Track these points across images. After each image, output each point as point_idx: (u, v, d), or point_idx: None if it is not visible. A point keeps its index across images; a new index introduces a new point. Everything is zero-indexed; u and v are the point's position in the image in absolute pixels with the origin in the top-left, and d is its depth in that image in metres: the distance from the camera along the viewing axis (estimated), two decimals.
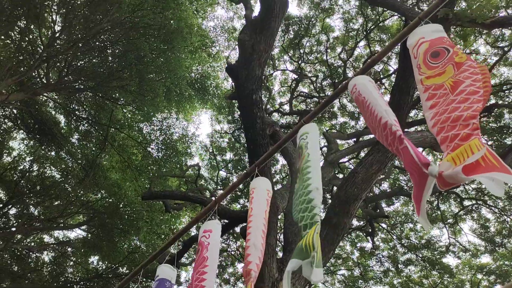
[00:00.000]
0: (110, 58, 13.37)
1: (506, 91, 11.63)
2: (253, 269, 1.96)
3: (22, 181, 13.57)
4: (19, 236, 14.20)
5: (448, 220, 14.23)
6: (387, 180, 14.29)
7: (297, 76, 14.53)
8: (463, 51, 12.03)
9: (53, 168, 14.65)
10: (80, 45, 11.90)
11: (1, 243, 13.46)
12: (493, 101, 11.22)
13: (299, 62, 14.68)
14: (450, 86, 1.45)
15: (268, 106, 15.02)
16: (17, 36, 11.82)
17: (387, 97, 13.76)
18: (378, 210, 13.26)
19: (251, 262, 1.99)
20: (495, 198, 12.49)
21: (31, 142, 14.41)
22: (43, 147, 14.05)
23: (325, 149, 12.64)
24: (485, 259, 14.99)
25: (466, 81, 1.42)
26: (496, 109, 10.73)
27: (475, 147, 1.15)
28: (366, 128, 12.65)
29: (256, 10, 9.49)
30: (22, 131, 13.93)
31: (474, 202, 13.47)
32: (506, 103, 11.50)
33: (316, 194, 1.77)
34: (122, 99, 14.30)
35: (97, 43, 12.52)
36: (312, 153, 2.04)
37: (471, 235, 14.32)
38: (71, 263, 15.79)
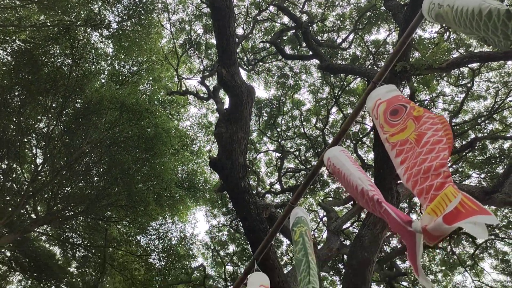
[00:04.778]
0: (95, 178, 13.45)
1: (482, 124, 11.92)
2: None
3: None
4: None
5: (467, 263, 13.78)
6: (395, 236, 14.00)
7: (280, 154, 14.74)
8: (430, 95, 12.49)
9: None
10: (64, 172, 12.01)
11: None
12: (472, 136, 11.45)
13: (279, 140, 14.99)
14: (414, 139, 1.49)
15: (260, 189, 15.01)
16: (0, 177, 11.91)
17: (371, 155, 13.94)
18: (395, 269, 12.81)
19: None
20: (506, 229, 12.26)
21: (29, 282, 13.90)
22: (41, 284, 13.54)
23: (325, 219, 12.49)
24: None
25: (428, 132, 1.46)
26: (478, 142, 10.92)
27: (451, 194, 1.16)
28: None
29: (227, 101, 9.85)
30: (18, 272, 13.50)
31: (486, 238, 13.17)
32: (486, 134, 11.74)
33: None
34: (114, 216, 14.17)
35: (80, 166, 12.67)
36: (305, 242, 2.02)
37: (494, 272, 13.81)
38: None
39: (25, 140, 12.14)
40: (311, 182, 2.26)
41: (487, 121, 11.88)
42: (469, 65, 10.31)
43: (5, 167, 11.76)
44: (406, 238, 1.29)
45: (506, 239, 12.58)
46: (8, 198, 11.87)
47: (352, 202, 12.59)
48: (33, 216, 12.10)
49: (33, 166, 12.53)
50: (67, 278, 13.55)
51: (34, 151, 12.47)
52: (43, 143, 12.07)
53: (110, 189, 12.82)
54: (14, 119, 11.55)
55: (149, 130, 13.14)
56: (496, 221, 1.03)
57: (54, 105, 12.16)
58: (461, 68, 11.48)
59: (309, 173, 2.23)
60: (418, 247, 1.25)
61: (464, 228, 1.05)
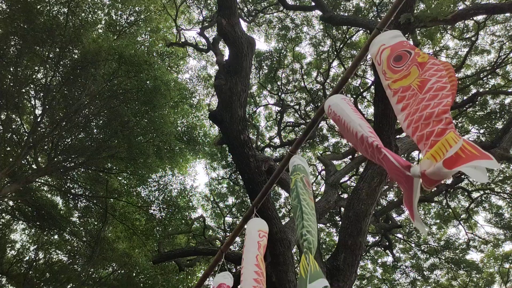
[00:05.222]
0: (95, 130, 13.46)
1: (484, 78, 11.79)
2: None
3: (30, 272, 13.31)
4: None
5: (461, 216, 14.07)
6: (392, 189, 14.20)
7: (280, 108, 14.67)
8: (433, 48, 12.28)
9: (59, 252, 14.43)
10: (64, 124, 12.00)
11: None
12: (474, 91, 11.35)
13: (279, 94, 14.87)
14: (417, 86, 1.46)
15: (259, 143, 15.06)
16: (0, 128, 11.92)
17: (371, 110, 13.89)
18: (390, 222, 13.09)
19: None
20: (501, 184, 12.42)
21: (32, 230, 14.24)
22: (45, 233, 13.87)
23: (323, 172, 12.61)
24: (508, 246, 14.75)
25: (432, 78, 1.43)
26: (479, 98, 10.84)
27: (452, 140, 1.14)
28: None
29: (226, 53, 9.68)
30: (21, 221, 13.79)
31: (482, 192, 13.37)
32: (487, 89, 11.64)
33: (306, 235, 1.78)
34: (115, 168, 14.30)
35: (79, 118, 12.64)
36: (300, 191, 2.02)
37: (488, 226, 14.14)
38: None
39: (23, 91, 12.04)
40: (312, 130, 2.25)
41: (489, 76, 11.74)
42: (475, 18, 10.06)
43: (4, 117, 11.74)
44: (403, 183, 1.29)
45: (501, 194, 12.77)
46: (8, 149, 11.92)
47: (350, 157, 12.68)
48: (34, 166, 12.21)
49: (32, 117, 12.51)
50: (70, 228, 13.87)
51: (32, 102, 12.41)
52: (42, 94, 11.98)
53: (110, 141, 12.85)
54: (11, 69, 11.41)
55: (148, 82, 13.00)
56: (498, 166, 1.03)
57: (51, 56, 11.97)
58: (466, 21, 11.22)
59: (310, 121, 2.21)
60: (415, 193, 1.25)
61: (464, 172, 1.05)
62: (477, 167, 1.05)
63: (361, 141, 1.53)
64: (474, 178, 1.05)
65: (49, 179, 13.90)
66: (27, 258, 13.93)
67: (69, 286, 14.08)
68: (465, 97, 11.38)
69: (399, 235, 15.03)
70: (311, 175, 15.58)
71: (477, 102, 11.07)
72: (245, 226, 2.32)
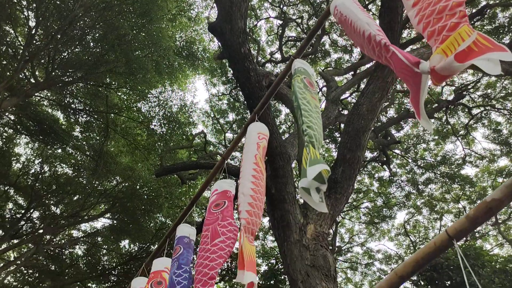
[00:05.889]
0: (92, 44, 13.13)
1: None
2: (243, 218, 1.96)
3: (37, 184, 13.73)
4: (47, 237, 14.53)
5: (460, 132, 14.22)
6: (392, 106, 14.20)
7: (281, 21, 14.18)
8: None
9: (64, 165, 14.77)
10: (59, 37, 11.67)
11: (33, 246, 13.81)
12: (484, 3, 10.88)
13: (281, 6, 14.29)
14: None
15: (260, 58, 14.78)
16: None
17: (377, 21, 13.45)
18: (389, 138, 13.25)
19: (241, 211, 1.98)
20: (503, 100, 12.38)
21: (36, 144, 14.45)
22: (48, 147, 14.10)
23: (324, 89, 12.51)
24: (503, 162, 15.08)
25: None
26: (488, 10, 10.42)
27: (465, 33, 1.09)
28: (362, 58, 12.44)
29: None
30: (24, 135, 13.95)
31: (482, 109, 13.38)
32: (498, 1, 11.15)
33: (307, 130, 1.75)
34: (114, 83, 14.16)
35: (75, 31, 12.26)
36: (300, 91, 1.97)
37: (485, 141, 14.33)
38: (104, 251, 16.22)
39: (15, 0, 11.55)
40: (316, 33, 2.16)
41: None
42: None
43: None
44: (411, 81, 1.25)
45: (502, 110, 12.78)
46: (5, 62, 11.70)
47: (352, 72, 12.50)
48: (33, 81, 12.08)
49: (26, 29, 12.13)
50: (72, 142, 14.06)
51: (26, 14, 11.96)
52: (34, 4, 11.50)
53: (107, 55, 12.59)
54: None
55: None
56: None
57: None
58: None
59: (315, 24, 2.12)
60: (422, 90, 1.22)
61: (476, 65, 1.01)
62: (490, 59, 1.00)
63: (368, 40, 1.47)
64: (487, 71, 1.01)
65: (49, 94, 13.83)
66: (32, 171, 14.30)
67: (75, 198, 14.62)
68: (474, 10, 10.94)
69: (397, 151, 15.30)
70: None
71: (485, 15, 10.66)
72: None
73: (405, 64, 1.23)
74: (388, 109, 14.14)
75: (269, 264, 13.68)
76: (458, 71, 1.05)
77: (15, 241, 13.85)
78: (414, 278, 10.95)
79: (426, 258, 1.21)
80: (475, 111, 13.46)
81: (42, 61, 12.38)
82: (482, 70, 1.07)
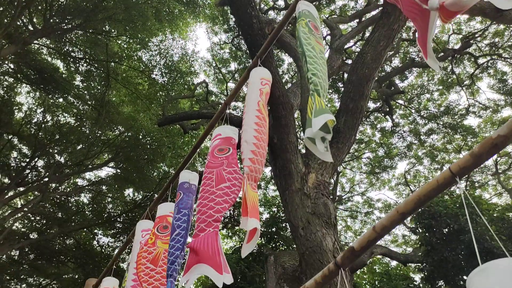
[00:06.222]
0: None
1: None
2: (246, 165, 1.97)
3: (40, 133, 13.79)
4: (53, 185, 14.78)
5: (465, 82, 14.04)
6: (397, 55, 13.95)
7: None
8: None
9: (66, 115, 14.78)
10: None
11: (39, 194, 14.09)
12: None
13: None
14: None
15: (262, 5, 14.37)
16: None
17: None
18: (393, 88, 13.11)
19: (244, 159, 1.99)
20: (510, 49, 12.12)
21: (37, 93, 14.39)
22: (50, 96, 14.04)
23: (328, 37, 12.24)
24: (507, 112, 14.96)
25: None
26: None
27: None
28: (367, 5, 12.08)
29: None
30: (25, 84, 13.85)
31: (489, 58, 13.13)
32: None
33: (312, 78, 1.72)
34: (113, 30, 13.87)
35: None
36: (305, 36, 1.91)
37: (490, 92, 14.19)
38: (109, 199, 16.56)
39: None
40: None
41: None
42: None
43: None
44: (419, 19, 1.21)
45: (508, 59, 12.55)
46: (1, 8, 11.42)
47: (357, 20, 12.18)
48: (31, 28, 11.84)
49: None
50: (74, 91, 13.99)
51: None
52: None
53: (106, 1, 12.26)
54: None
55: None
56: None
57: None
58: None
59: None
60: (430, 29, 1.18)
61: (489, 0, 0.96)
62: None
63: None
64: (499, 5, 0.97)
65: (48, 42, 13.59)
66: (35, 120, 14.32)
67: (79, 147, 14.74)
68: None
69: (400, 101, 15.19)
70: None
71: None
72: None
73: (413, 1, 1.19)
74: (392, 58, 13.91)
75: (271, 212, 13.97)
76: (468, 6, 1.00)
77: (21, 189, 14.11)
78: (413, 226, 11.22)
79: (428, 195, 1.21)
80: (481, 60, 13.22)
81: (39, 7, 12.08)
82: (488, 16, 1.03)
